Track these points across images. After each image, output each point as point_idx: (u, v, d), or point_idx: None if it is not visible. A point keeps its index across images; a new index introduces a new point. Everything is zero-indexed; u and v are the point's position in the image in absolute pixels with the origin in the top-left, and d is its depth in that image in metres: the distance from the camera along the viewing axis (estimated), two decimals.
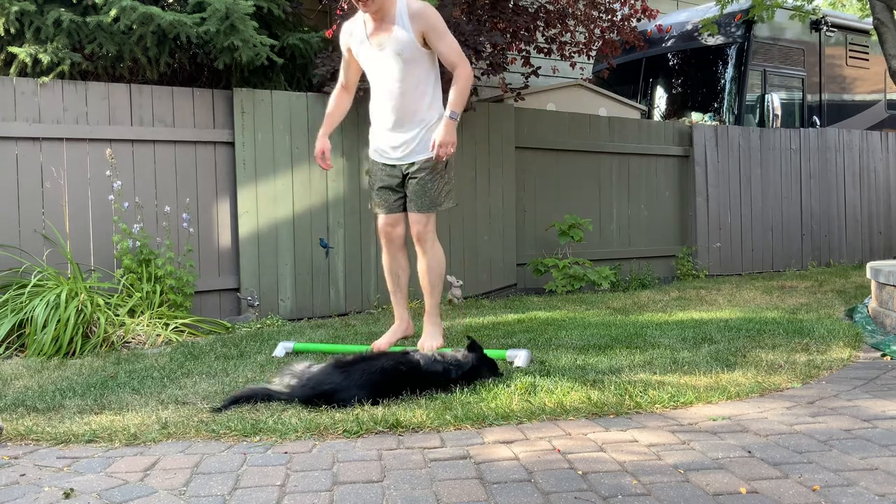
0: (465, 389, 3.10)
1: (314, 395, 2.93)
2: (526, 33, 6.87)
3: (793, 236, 8.42)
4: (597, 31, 7.60)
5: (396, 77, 3.66)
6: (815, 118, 9.31)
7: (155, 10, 4.85)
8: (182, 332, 4.65)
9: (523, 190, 6.78)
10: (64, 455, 2.46)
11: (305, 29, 6.25)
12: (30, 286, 4.36)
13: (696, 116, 9.02)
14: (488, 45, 6.31)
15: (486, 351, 3.39)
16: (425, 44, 3.64)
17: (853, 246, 8.89)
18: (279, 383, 3.11)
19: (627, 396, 2.97)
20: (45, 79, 4.79)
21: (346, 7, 5.27)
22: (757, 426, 2.65)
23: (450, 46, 3.63)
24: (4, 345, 4.22)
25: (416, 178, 3.77)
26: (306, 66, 6.02)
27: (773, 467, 2.25)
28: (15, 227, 4.72)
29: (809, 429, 2.61)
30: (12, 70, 4.89)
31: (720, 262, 7.89)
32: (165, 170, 5.16)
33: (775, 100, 8.74)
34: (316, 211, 5.65)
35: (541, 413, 2.79)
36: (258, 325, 5.07)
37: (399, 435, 2.62)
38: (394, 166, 3.84)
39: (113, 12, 4.77)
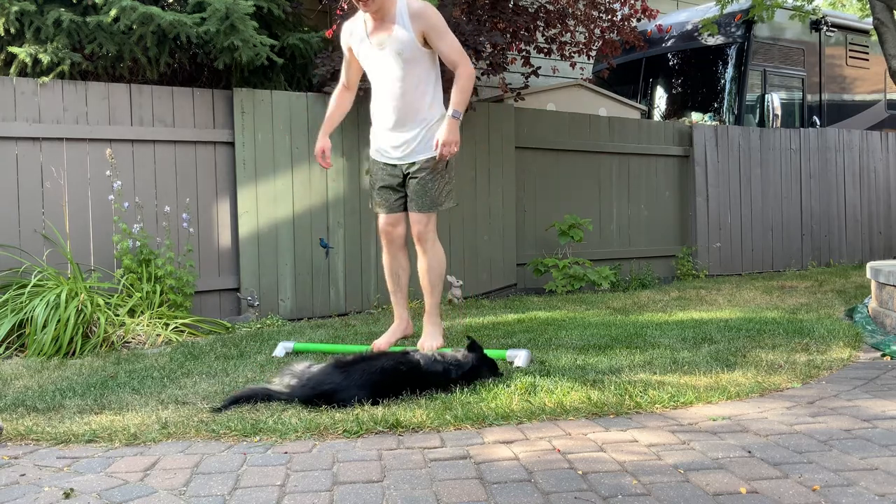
0: (465, 389, 3.10)
1: (314, 395, 2.93)
2: (526, 33, 6.87)
3: (793, 236, 8.42)
4: (597, 31, 7.60)
5: (397, 77, 3.66)
6: (815, 118, 9.31)
7: (155, 10, 4.85)
8: (182, 332, 4.65)
9: (523, 190, 6.78)
10: (64, 455, 2.46)
11: (305, 29, 6.25)
12: (30, 286, 4.36)
13: (696, 116, 9.02)
14: (488, 45, 6.31)
15: (486, 351, 3.38)
16: (426, 43, 3.64)
17: (853, 246, 8.89)
18: (279, 383, 3.11)
19: (627, 396, 2.97)
20: (45, 79, 4.79)
21: (346, 7, 5.27)
22: (757, 426, 2.65)
23: (451, 45, 3.63)
24: (4, 345, 4.22)
25: (416, 177, 3.77)
26: (306, 66, 6.02)
27: (773, 467, 2.25)
28: (15, 227, 4.72)
29: (809, 429, 2.61)
30: (12, 70, 4.89)
31: (720, 262, 7.89)
32: (165, 170, 5.16)
33: (775, 100, 8.74)
34: (316, 211, 5.65)
35: (541, 413, 2.79)
36: (258, 325, 5.07)
37: (399, 435, 2.62)
38: (394, 166, 3.84)
39: (113, 12, 4.77)
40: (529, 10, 6.84)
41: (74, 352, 4.19)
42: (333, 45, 5.73)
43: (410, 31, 3.59)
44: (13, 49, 4.84)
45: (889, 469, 2.21)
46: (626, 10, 7.63)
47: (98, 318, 4.32)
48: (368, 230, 5.84)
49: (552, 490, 2.10)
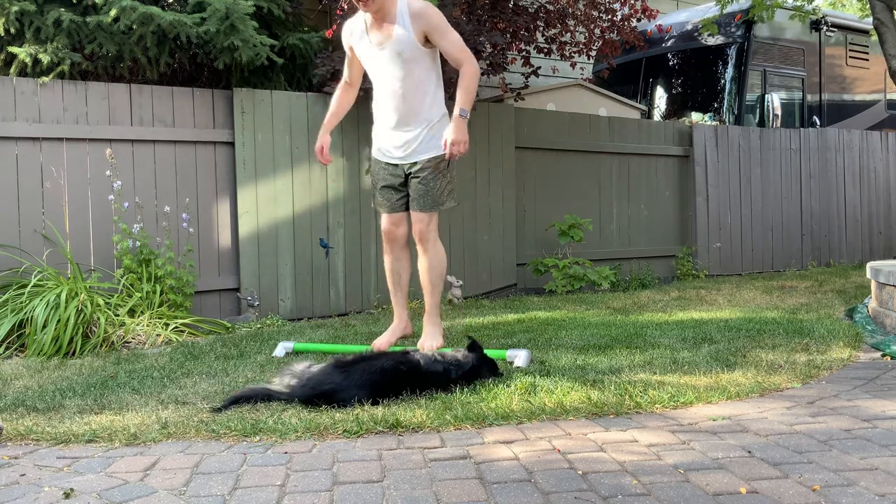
0: (465, 389, 3.10)
1: (314, 395, 2.93)
2: (526, 33, 6.87)
3: (793, 236, 8.42)
4: (597, 31, 7.60)
5: (398, 77, 3.66)
6: (815, 118, 9.31)
7: (155, 10, 4.85)
8: (182, 332, 4.65)
9: (523, 190, 6.78)
10: (64, 455, 2.46)
11: (305, 29, 6.25)
12: (30, 286, 4.36)
13: (696, 116, 9.02)
14: (488, 45, 6.31)
15: (486, 351, 3.38)
16: (426, 43, 3.63)
17: (853, 246, 8.89)
18: (279, 383, 3.11)
19: (627, 396, 2.97)
20: (45, 79, 4.79)
21: (346, 7, 5.27)
22: (757, 426, 2.65)
23: (453, 44, 3.61)
24: (4, 345, 4.22)
25: (418, 177, 3.77)
26: (306, 66, 6.02)
27: (773, 467, 2.25)
28: (15, 227, 4.72)
29: (809, 429, 2.61)
30: (12, 70, 4.89)
31: (720, 262, 7.89)
32: (165, 170, 5.16)
33: (775, 100, 8.74)
34: (316, 211, 5.65)
35: (541, 413, 2.79)
36: (258, 325, 5.07)
37: (399, 435, 2.62)
38: (396, 165, 3.84)
39: (113, 12, 4.77)
40: (529, 10, 6.84)
41: (74, 352, 4.19)
42: (333, 45, 5.73)
43: (411, 31, 3.58)
44: (13, 49, 4.84)
45: (889, 469, 2.21)
46: (626, 10, 7.63)
47: (98, 318, 4.32)
48: (368, 230, 5.84)
49: (552, 490, 2.10)
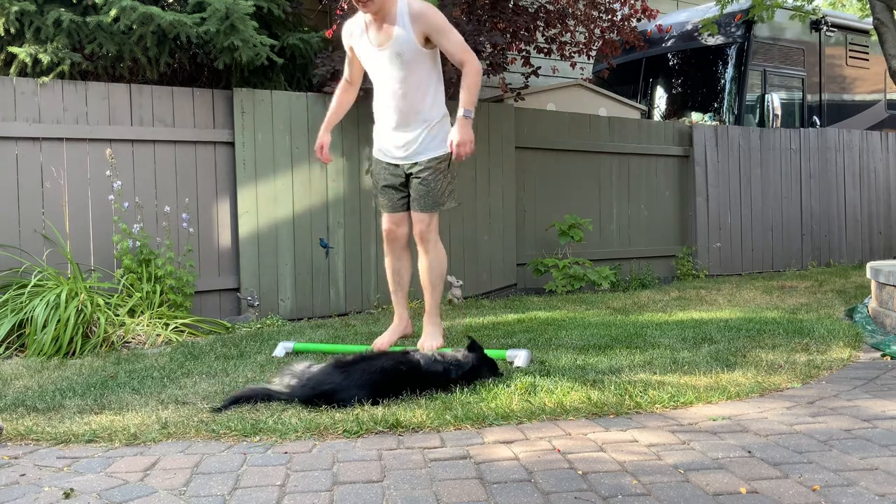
0: (465, 389, 3.10)
1: (314, 395, 2.93)
2: (526, 33, 6.87)
3: (793, 236, 8.42)
4: (597, 31, 7.60)
5: (398, 78, 3.66)
6: (815, 118, 9.31)
7: (155, 10, 4.85)
8: (182, 332, 4.65)
9: (523, 190, 6.78)
10: (64, 455, 2.46)
11: (305, 29, 6.25)
12: (30, 286, 4.36)
13: (696, 116, 9.02)
14: (488, 45, 6.31)
15: (486, 351, 3.38)
16: (426, 44, 3.62)
17: (853, 246, 8.89)
18: (279, 383, 3.11)
19: (627, 396, 2.97)
20: (45, 79, 4.79)
21: (346, 7, 5.27)
22: (757, 426, 2.65)
23: (455, 43, 3.60)
24: (4, 345, 4.22)
25: (419, 177, 3.77)
26: (306, 66, 6.02)
27: (773, 467, 2.25)
28: (15, 227, 4.72)
29: (809, 429, 2.61)
30: (12, 70, 4.89)
31: (720, 262, 7.89)
32: (165, 170, 5.16)
33: (775, 100, 8.74)
34: (316, 211, 5.65)
35: (541, 413, 2.79)
36: (258, 325, 5.07)
37: (399, 435, 2.62)
38: (397, 166, 3.84)
39: (113, 12, 4.77)
40: (529, 10, 6.84)
41: (74, 352, 4.19)
42: (333, 45, 5.73)
43: (411, 32, 3.57)
44: (13, 49, 4.84)
45: (889, 469, 2.21)
46: (626, 10, 7.64)
47: (98, 318, 4.32)
48: (368, 230, 5.84)
49: (552, 490, 2.10)
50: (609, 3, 7.53)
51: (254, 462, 2.35)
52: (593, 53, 8.08)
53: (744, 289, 6.54)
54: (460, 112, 3.57)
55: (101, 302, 4.40)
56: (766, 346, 3.97)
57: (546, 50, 7.42)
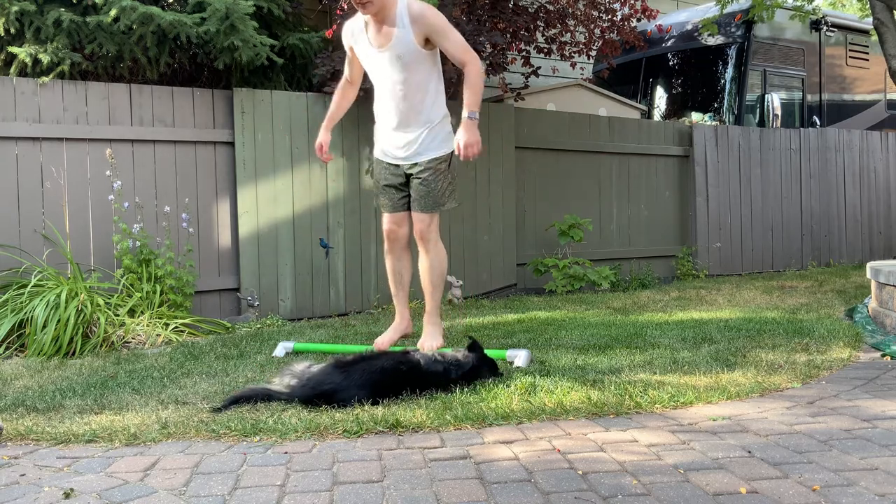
0: (465, 389, 3.10)
1: (314, 395, 2.93)
2: (526, 33, 6.87)
3: (793, 236, 8.42)
4: (597, 31, 7.60)
5: (398, 80, 3.65)
6: (815, 118, 9.31)
7: (155, 10, 4.85)
8: (182, 332, 4.65)
9: (523, 190, 6.78)
10: (64, 455, 2.46)
11: (305, 29, 6.25)
12: (30, 286, 4.36)
13: (696, 116, 9.02)
14: (488, 45, 6.31)
15: (486, 351, 3.38)
16: (426, 45, 3.61)
17: (853, 246, 8.89)
18: (279, 383, 3.11)
19: (627, 396, 2.97)
20: (45, 79, 4.79)
21: (346, 7, 5.27)
22: (757, 426, 2.65)
23: (456, 44, 3.58)
24: (4, 345, 4.22)
25: (419, 178, 3.77)
26: (306, 66, 6.02)
27: (773, 467, 2.25)
28: (15, 227, 4.72)
29: (809, 429, 2.61)
30: (12, 70, 4.89)
31: (720, 262, 7.89)
32: (165, 170, 5.16)
33: (775, 100, 8.74)
34: (316, 211, 5.65)
35: (541, 413, 2.79)
36: (258, 325, 5.07)
37: (399, 435, 2.62)
38: (397, 166, 3.84)
39: (113, 12, 4.77)
40: (529, 10, 6.84)
41: (74, 352, 4.19)
42: (333, 45, 5.73)
43: (411, 34, 3.55)
44: (13, 49, 4.84)
45: (889, 469, 2.21)
46: (626, 10, 7.63)
47: (98, 318, 4.32)
48: (368, 230, 5.84)
49: (552, 490, 2.10)
50: (609, 3, 7.53)
51: (254, 462, 2.35)
52: (593, 53, 8.08)
53: (744, 289, 6.54)
54: (465, 114, 3.55)
55: (101, 302, 4.40)
56: (766, 346, 3.97)
57: (546, 50, 7.42)
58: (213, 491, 2.13)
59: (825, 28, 9.30)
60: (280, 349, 4.04)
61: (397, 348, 3.81)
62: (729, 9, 8.01)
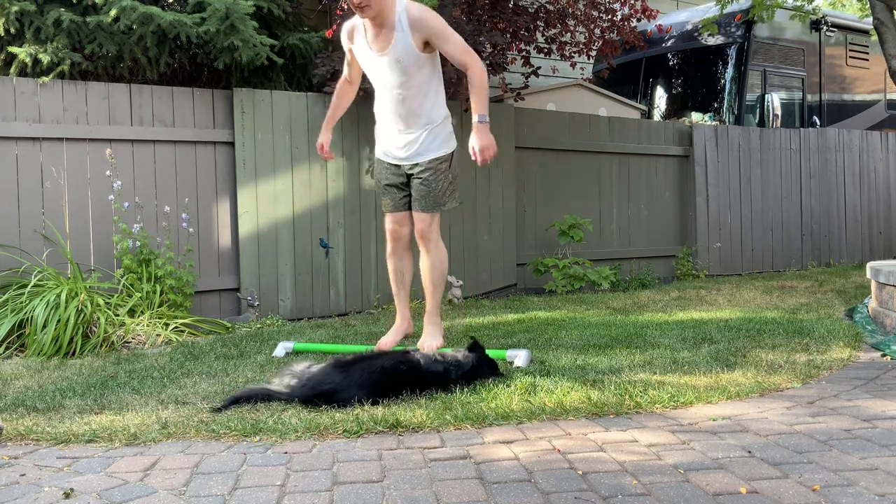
0: (465, 389, 3.10)
1: (314, 395, 2.93)
2: (526, 33, 6.87)
3: (793, 236, 8.42)
4: (597, 31, 7.60)
5: (398, 83, 3.64)
6: (815, 118, 9.31)
7: (155, 10, 4.85)
8: (182, 332, 4.65)
9: (523, 190, 6.78)
10: (64, 455, 2.46)
11: (305, 29, 6.25)
12: (30, 286, 4.36)
13: (696, 116, 9.02)
14: (488, 45, 6.31)
15: (486, 351, 3.38)
16: (426, 48, 3.60)
17: (853, 246, 8.89)
18: (279, 383, 3.11)
19: (627, 396, 2.97)
20: (45, 79, 4.79)
21: (346, 7, 5.27)
22: (757, 426, 2.65)
23: (456, 47, 3.56)
24: (4, 345, 4.22)
25: (420, 178, 3.77)
26: (306, 66, 6.02)
27: (773, 467, 2.25)
28: (15, 227, 4.72)
29: (809, 429, 2.61)
30: (12, 70, 4.89)
31: (720, 262, 7.89)
32: (165, 170, 5.16)
33: (775, 100, 8.74)
34: (316, 211, 5.65)
35: (541, 413, 2.79)
36: (258, 325, 5.07)
37: (399, 435, 2.62)
38: (398, 166, 3.84)
39: (113, 12, 4.77)
40: (529, 10, 6.84)
41: (74, 352, 4.19)
42: (333, 45, 5.73)
43: (410, 38, 3.54)
44: (13, 49, 4.84)
45: (889, 469, 2.21)
46: (626, 10, 7.64)
47: (98, 318, 4.32)
48: (368, 230, 5.84)
49: (552, 490, 2.10)
50: (609, 3, 7.53)
51: (254, 462, 2.35)
52: (593, 53, 8.08)
53: (744, 289, 6.54)
54: (475, 119, 3.56)
55: (101, 302, 4.40)
56: (766, 346, 3.97)
57: (546, 50, 7.42)
58: (213, 491, 2.13)
59: (825, 28, 9.30)
60: (280, 349, 4.04)
61: (398, 348, 3.81)
62: (729, 9, 8.01)
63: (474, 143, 3.57)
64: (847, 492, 2.05)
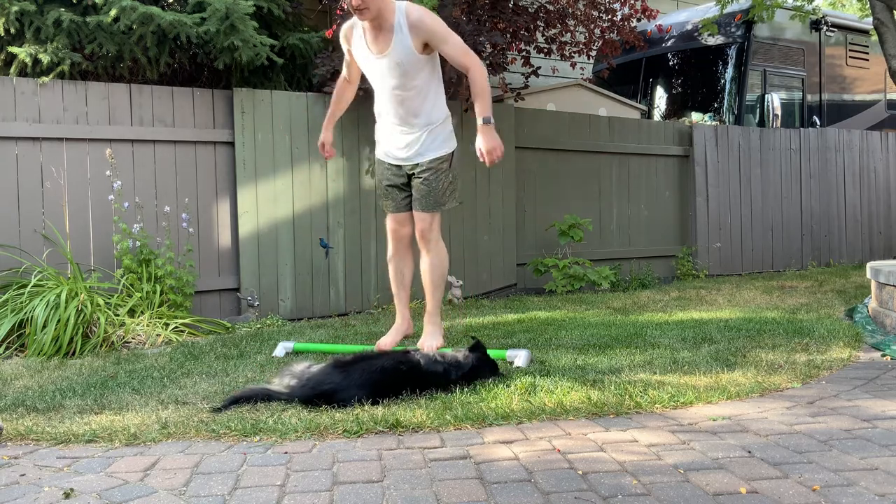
0: (465, 389, 3.10)
1: (314, 395, 2.93)
2: (526, 33, 6.87)
3: (793, 236, 8.42)
4: (597, 31, 7.60)
5: (397, 85, 3.63)
6: (815, 118, 9.31)
7: (155, 10, 4.85)
8: (182, 332, 4.65)
9: (523, 190, 6.78)
10: (64, 455, 2.46)
11: (305, 29, 6.25)
12: (30, 286, 4.36)
13: (696, 116, 9.02)
14: (488, 45, 6.31)
15: (487, 351, 3.38)
16: (425, 50, 3.59)
17: (853, 246, 8.89)
18: (279, 383, 3.11)
19: (627, 396, 2.97)
20: (45, 79, 4.79)
21: (345, 7, 5.27)
22: (757, 426, 2.65)
23: (456, 48, 3.56)
24: (4, 345, 4.22)
25: (420, 178, 3.77)
26: (306, 66, 6.02)
27: (773, 467, 2.25)
28: (15, 227, 4.72)
29: (809, 429, 2.61)
30: (12, 70, 4.89)
31: (720, 262, 7.89)
32: (165, 170, 5.16)
33: (775, 100, 8.74)
34: (316, 211, 5.65)
35: (541, 413, 2.79)
36: (258, 325, 5.07)
37: (399, 435, 2.62)
38: (399, 166, 3.85)
39: (113, 12, 4.77)
40: (529, 10, 6.84)
41: (74, 352, 4.19)
42: (333, 45, 5.72)
43: (409, 40, 3.53)
44: (13, 49, 4.84)
45: (889, 469, 2.21)
46: (626, 10, 7.63)
47: (98, 318, 4.32)
48: (368, 230, 5.83)
49: (552, 490, 2.10)
50: (609, 3, 7.53)
51: (254, 462, 2.35)
52: (593, 53, 8.08)
53: (744, 289, 6.54)
54: (480, 121, 3.55)
55: (101, 302, 4.40)
56: (766, 346, 3.97)
57: (546, 50, 7.41)
58: (213, 491, 2.13)
59: (825, 28, 9.30)
60: (280, 349, 4.04)
61: (398, 348, 3.81)
62: (729, 9, 8.01)
63: (481, 144, 3.57)
64: (847, 492, 2.05)
